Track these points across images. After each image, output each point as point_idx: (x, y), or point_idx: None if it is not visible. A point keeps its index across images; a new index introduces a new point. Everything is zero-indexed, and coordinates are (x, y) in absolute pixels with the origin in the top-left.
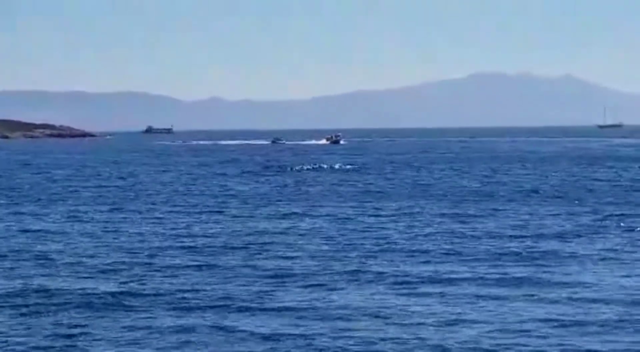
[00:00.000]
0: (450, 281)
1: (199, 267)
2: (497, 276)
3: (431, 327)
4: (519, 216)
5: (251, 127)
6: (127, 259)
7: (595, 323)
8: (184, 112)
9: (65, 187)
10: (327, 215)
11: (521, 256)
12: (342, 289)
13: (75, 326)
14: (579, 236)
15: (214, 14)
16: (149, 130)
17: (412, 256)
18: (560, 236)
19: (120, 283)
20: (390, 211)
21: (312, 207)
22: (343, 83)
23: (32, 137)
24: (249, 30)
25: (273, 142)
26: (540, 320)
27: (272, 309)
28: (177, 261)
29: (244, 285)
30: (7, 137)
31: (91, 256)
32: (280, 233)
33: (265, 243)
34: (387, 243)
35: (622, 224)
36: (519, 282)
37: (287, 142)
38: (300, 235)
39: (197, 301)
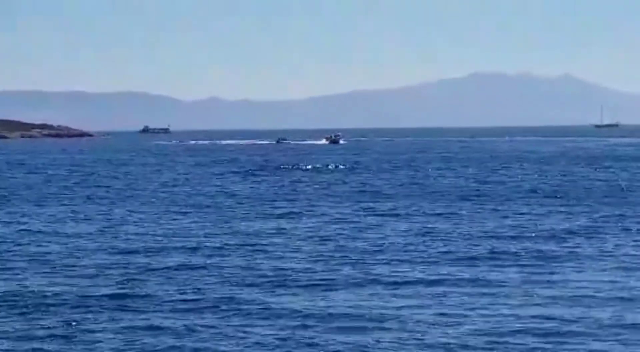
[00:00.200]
0: (449, 281)
1: (195, 268)
2: (495, 276)
3: (429, 327)
4: (517, 215)
5: (250, 127)
6: (124, 260)
7: (593, 323)
8: (184, 112)
9: (61, 188)
10: (324, 215)
11: (519, 256)
12: (339, 289)
13: (73, 327)
14: (577, 236)
15: (213, 14)
16: (146, 130)
17: (410, 256)
18: (559, 236)
19: (118, 283)
20: (387, 210)
21: (310, 207)
22: (342, 83)
23: (30, 137)
24: (249, 30)
25: (278, 141)
26: (539, 320)
27: (270, 309)
28: (174, 261)
29: (240, 285)
30: (5, 137)
31: (88, 256)
32: (277, 233)
33: (261, 243)
34: (385, 243)
35: (620, 224)
36: (517, 281)
37: (291, 142)
38: (297, 235)
39: (194, 302)
